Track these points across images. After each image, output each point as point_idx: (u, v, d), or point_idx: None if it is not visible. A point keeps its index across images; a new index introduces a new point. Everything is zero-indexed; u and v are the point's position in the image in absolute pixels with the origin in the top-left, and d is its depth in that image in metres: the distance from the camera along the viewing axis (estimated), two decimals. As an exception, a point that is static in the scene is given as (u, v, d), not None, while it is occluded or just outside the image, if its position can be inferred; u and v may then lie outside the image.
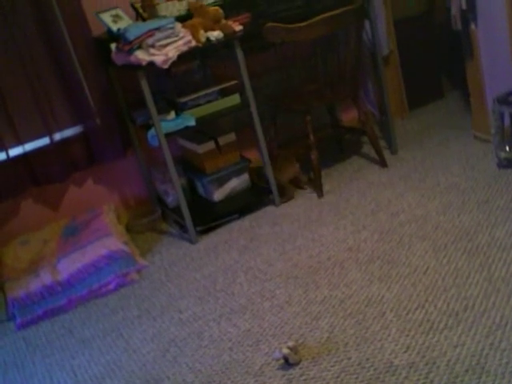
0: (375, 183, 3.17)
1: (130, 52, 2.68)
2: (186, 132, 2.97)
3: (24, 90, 3.00)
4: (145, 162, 3.39)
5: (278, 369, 2.01)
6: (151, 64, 2.68)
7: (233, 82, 3.04)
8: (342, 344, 2.04)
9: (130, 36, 2.66)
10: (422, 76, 4.03)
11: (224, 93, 3.03)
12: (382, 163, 3.36)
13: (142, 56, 2.66)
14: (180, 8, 3.11)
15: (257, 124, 3.05)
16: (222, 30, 2.85)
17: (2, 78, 2.95)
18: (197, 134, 3.28)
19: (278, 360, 2.01)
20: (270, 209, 3.21)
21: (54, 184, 3.20)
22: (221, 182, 3.28)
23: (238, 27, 2.90)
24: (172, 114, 2.94)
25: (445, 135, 3.58)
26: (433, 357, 1.87)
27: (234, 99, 3.04)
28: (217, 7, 2.93)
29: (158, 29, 2.69)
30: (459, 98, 4.01)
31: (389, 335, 2.03)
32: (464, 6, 3.03)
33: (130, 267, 2.85)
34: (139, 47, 2.68)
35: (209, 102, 2.99)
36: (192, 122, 2.90)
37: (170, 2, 3.09)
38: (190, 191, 3.42)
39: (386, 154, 3.46)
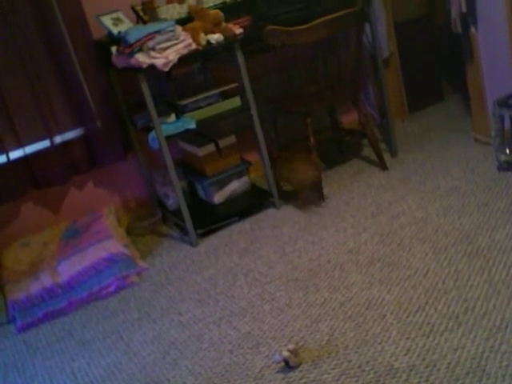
0: (375, 186, 3.17)
1: (131, 55, 2.68)
2: (186, 135, 2.98)
3: (25, 92, 3.00)
4: (145, 164, 3.40)
5: (278, 372, 2.01)
6: (152, 67, 2.69)
7: (233, 85, 3.04)
8: (342, 347, 2.04)
9: (131, 39, 2.66)
10: (422, 79, 4.04)
11: (224, 95, 3.03)
12: (383, 166, 3.36)
13: (142, 59, 2.67)
14: (180, 11, 3.12)
15: (257, 126, 3.05)
16: (222, 32, 2.85)
17: (3, 80, 2.95)
18: (197, 136, 3.28)
19: (278, 363, 2.01)
20: (270, 211, 3.21)
21: (54, 187, 3.21)
22: (221, 184, 3.29)
23: (239, 30, 2.91)
24: (172, 117, 2.94)
25: (445, 138, 3.58)
26: (433, 359, 1.87)
27: (235, 102, 3.04)
28: (217, 10, 2.94)
29: (158, 32, 2.69)
30: (459, 100, 4.01)
31: (389, 338, 2.02)
32: (464, 9, 3.03)
33: (130, 270, 2.85)
34: (140, 50, 2.68)
35: (209, 104, 3.00)
36: (192, 125, 2.91)
37: (170, 5, 3.10)
38: (191, 194, 3.42)
39: (386, 156, 3.46)
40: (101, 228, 3.07)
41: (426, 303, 2.16)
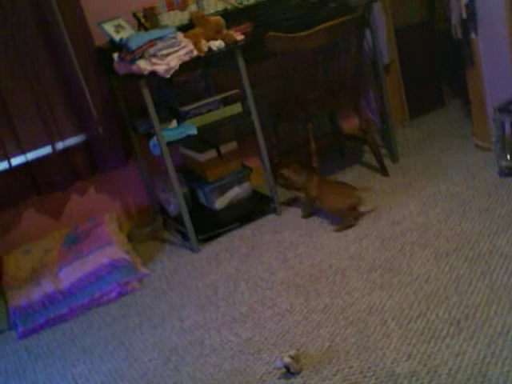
0: (376, 191, 3.17)
1: (132, 61, 2.69)
2: (187, 141, 2.98)
3: (27, 98, 3.01)
4: (146, 170, 3.40)
5: (279, 378, 2.00)
6: (153, 73, 2.70)
7: (234, 91, 3.05)
8: (344, 353, 2.04)
9: (132, 45, 2.68)
10: (422, 84, 4.05)
11: (226, 101, 3.04)
12: (383, 172, 3.37)
13: (144, 65, 2.68)
14: (182, 18, 3.14)
15: (258, 132, 3.06)
16: (223, 39, 2.87)
17: (5, 86, 2.96)
18: (198, 142, 3.29)
19: (279, 369, 2.01)
20: (271, 217, 3.22)
21: (55, 193, 3.21)
22: (222, 190, 3.29)
23: (240, 36, 2.92)
24: (174, 123, 2.95)
25: (446, 143, 3.59)
26: (434, 365, 1.87)
27: (236, 108, 3.05)
28: (218, 17, 2.95)
29: (160, 38, 2.70)
30: (460, 106, 4.02)
31: (390, 344, 2.02)
32: (464, 16, 3.04)
33: (131, 276, 2.85)
34: (141, 57, 2.69)
35: (210, 110, 3.00)
36: (194, 131, 2.92)
37: (171, 12, 3.11)
38: (192, 200, 3.43)
39: (387, 162, 3.47)
40: (102, 234, 3.07)
41: (428, 309, 2.15)
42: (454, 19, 3.13)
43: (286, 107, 3.27)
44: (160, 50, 2.70)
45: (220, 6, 3.26)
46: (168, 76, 2.73)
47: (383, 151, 3.60)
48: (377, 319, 2.17)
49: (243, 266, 2.79)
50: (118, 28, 2.97)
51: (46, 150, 3.11)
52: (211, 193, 3.27)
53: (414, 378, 1.84)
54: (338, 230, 2.87)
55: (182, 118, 2.97)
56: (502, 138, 2.94)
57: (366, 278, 2.44)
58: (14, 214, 3.17)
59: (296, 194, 3.26)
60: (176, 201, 3.15)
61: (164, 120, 2.92)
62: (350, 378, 1.92)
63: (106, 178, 3.35)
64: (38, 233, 3.21)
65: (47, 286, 2.78)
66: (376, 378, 1.88)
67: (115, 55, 2.86)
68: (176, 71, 2.74)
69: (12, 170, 3.04)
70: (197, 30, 2.88)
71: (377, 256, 2.59)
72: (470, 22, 3.06)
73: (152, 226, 3.35)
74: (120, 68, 2.86)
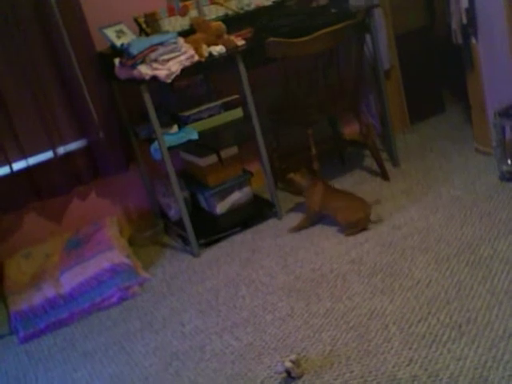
0: (377, 196, 3.17)
1: (134, 66, 2.70)
2: (188, 145, 2.99)
3: (28, 103, 3.02)
4: (147, 175, 3.41)
5: (280, 382, 2.00)
6: (154, 78, 2.71)
7: (235, 97, 3.06)
8: (345, 357, 2.04)
9: (134, 51, 2.69)
10: (423, 89, 4.05)
11: (226, 106, 3.05)
12: (384, 176, 3.37)
13: (145, 70, 2.69)
14: (183, 23, 3.15)
15: (259, 137, 3.07)
16: (224, 44, 2.88)
17: (6, 91, 2.97)
18: (199, 147, 3.29)
19: (280, 373, 2.01)
20: (272, 222, 3.22)
21: (57, 197, 3.22)
22: (223, 194, 3.29)
23: (240, 42, 2.94)
24: (175, 128, 2.96)
25: (446, 148, 3.59)
26: (436, 370, 1.87)
27: (237, 113, 3.06)
28: (219, 22, 2.97)
29: (161, 44, 2.71)
30: (461, 111, 4.03)
31: (391, 348, 2.02)
32: (464, 20, 3.05)
33: (132, 280, 2.85)
34: (142, 62, 2.70)
35: (211, 115, 3.01)
36: (195, 136, 2.92)
37: (172, 18, 3.12)
38: (193, 204, 3.43)
39: (388, 166, 3.47)
40: (103, 239, 3.07)
41: (429, 313, 2.15)
42: (454, 24, 3.14)
43: (287, 112, 3.27)
44: (161, 55, 2.71)
45: (221, 12, 3.27)
46: (169, 81, 2.73)
47: (384, 156, 3.59)
48: (378, 324, 2.17)
49: (244, 271, 2.79)
50: (120, 33, 2.98)
51: (47, 155, 3.12)
52: (212, 197, 3.28)
53: (416, 383, 1.84)
54: (348, 235, 2.86)
55: (182, 123, 2.98)
56: (502, 142, 2.95)
57: (367, 283, 2.44)
58: (16, 219, 3.18)
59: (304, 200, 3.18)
60: (177, 205, 3.15)
61: (165, 125, 2.93)
62: (351, 382, 1.91)
63: (106, 182, 3.36)
64: (40, 237, 3.21)
65: (48, 291, 2.78)
66: (377, 383, 1.88)
67: (116, 60, 2.87)
68: (177, 76, 2.75)
69: (13, 175, 3.05)
70: (198, 36, 2.89)
71: (378, 260, 2.59)
72: (470, 26, 3.07)
73: (153, 231, 3.35)
74: (121, 73, 2.87)
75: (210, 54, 2.85)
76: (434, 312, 2.15)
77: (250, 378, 2.06)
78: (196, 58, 2.80)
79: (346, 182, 3.45)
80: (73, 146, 3.18)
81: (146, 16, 3.08)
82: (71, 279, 2.81)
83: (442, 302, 2.20)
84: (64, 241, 3.17)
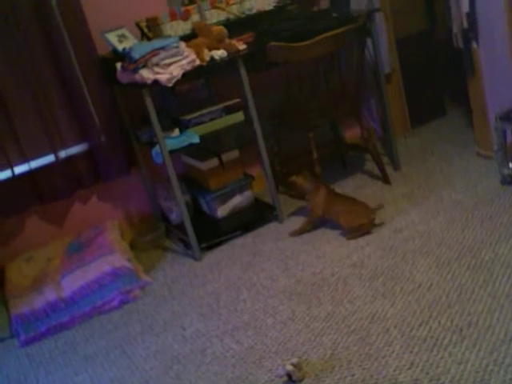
0: (378, 200, 3.17)
1: (135, 71, 2.71)
2: (189, 149, 3.00)
3: (30, 107, 3.03)
4: (149, 179, 3.41)
5: (281, 386, 2.00)
6: (156, 82, 2.72)
7: (236, 100, 3.07)
8: (346, 361, 2.04)
9: (135, 55, 2.70)
10: (424, 93, 4.06)
11: (228, 110, 3.06)
12: (385, 180, 3.37)
13: (146, 74, 2.70)
14: (184, 27, 3.16)
15: (260, 140, 3.07)
16: (225, 48, 2.89)
17: (8, 95, 2.98)
18: (200, 151, 3.30)
19: (281, 377, 2.00)
20: (273, 225, 3.22)
21: (58, 201, 3.22)
22: (224, 198, 3.30)
23: (242, 46, 2.94)
24: (176, 132, 2.96)
25: (448, 152, 3.59)
26: (437, 373, 1.86)
27: (238, 116, 3.06)
28: (221, 26, 2.98)
29: (162, 48, 2.72)
30: (462, 115, 4.03)
31: (393, 352, 2.02)
32: (465, 25, 3.06)
33: (133, 284, 2.85)
34: (144, 66, 2.71)
35: (213, 119, 3.02)
36: (196, 140, 2.93)
37: (174, 22, 3.13)
38: (194, 208, 3.43)
39: (389, 170, 3.47)
40: (104, 242, 3.07)
41: (430, 317, 2.15)
42: (455, 28, 3.15)
43: (288, 116, 3.28)
44: (163, 59, 2.72)
45: (222, 16, 3.28)
46: (170, 85, 2.74)
47: (385, 160, 3.60)
48: (379, 327, 2.17)
49: (245, 274, 2.79)
50: (121, 38, 3.00)
51: (48, 159, 3.13)
52: (213, 201, 3.28)
53: (417, 386, 1.83)
54: (350, 238, 2.86)
55: (184, 127, 2.99)
56: (503, 146, 2.95)
57: (369, 286, 2.44)
58: (17, 222, 3.18)
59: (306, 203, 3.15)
60: (178, 209, 3.16)
61: (166, 129, 2.94)
62: (352, 386, 1.91)
63: (108, 186, 3.36)
64: (41, 241, 3.21)
65: (49, 294, 2.78)
66: (378, 386, 1.88)
67: (118, 65, 2.88)
68: (178, 80, 2.76)
69: (15, 179, 3.06)
70: (199, 40, 2.90)
71: (379, 264, 2.59)
72: (471, 31, 3.07)
73: (154, 234, 3.35)
74: (123, 77, 2.88)
75: (212, 59, 2.86)
76: (435, 315, 2.15)
77: (251, 381, 2.06)
78: (197, 62, 2.81)
79: (347, 186, 3.45)
80: (74, 149, 3.19)
81: (147, 20, 3.09)
82: (72, 283, 2.81)
83: (443, 305, 2.20)
84: (65, 244, 3.17)
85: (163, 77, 2.71)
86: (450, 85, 4.16)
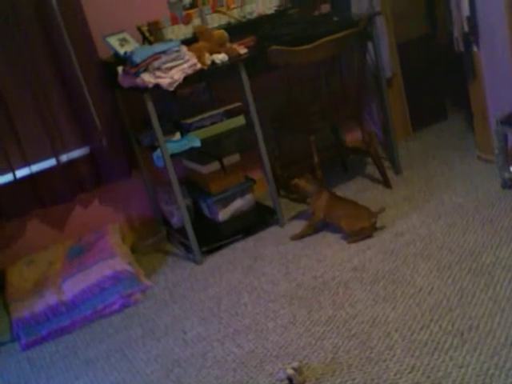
0: (379, 203, 3.17)
1: (137, 75, 2.72)
2: (190, 153, 3.00)
3: (31, 111, 3.04)
4: (150, 182, 3.42)
5: (282, 389, 2.00)
6: (157, 86, 2.72)
7: (237, 104, 3.08)
8: (347, 365, 2.03)
9: (137, 59, 2.71)
10: (425, 97, 4.06)
11: (229, 114, 3.06)
12: (386, 184, 3.37)
13: (148, 78, 2.71)
14: (186, 32, 3.17)
15: (261, 144, 3.08)
16: (227, 52, 2.89)
17: (10, 99, 2.99)
18: (202, 154, 3.30)
19: (281, 381, 2.00)
20: (274, 229, 3.22)
21: (59, 205, 3.23)
22: (225, 202, 3.30)
23: (243, 50, 2.95)
24: (177, 135, 2.97)
25: (448, 156, 3.59)
26: (438, 377, 1.86)
27: (239, 120, 3.07)
28: (222, 31, 2.98)
29: (164, 52, 2.73)
30: (463, 119, 4.03)
31: (394, 355, 2.01)
32: (466, 28, 3.06)
33: (134, 288, 2.85)
34: (145, 70, 2.72)
35: (214, 123, 3.02)
36: (197, 143, 2.93)
37: (175, 26, 3.15)
38: (195, 212, 3.43)
39: (390, 174, 3.47)
40: (105, 246, 3.07)
41: (431, 321, 2.15)
42: (456, 32, 3.15)
43: (289, 120, 3.28)
44: (164, 63, 2.73)
45: (223, 20, 3.30)
46: (172, 89, 2.75)
47: (386, 163, 3.60)
48: (380, 331, 2.16)
49: (246, 278, 2.79)
50: (123, 42, 3.00)
51: (50, 162, 3.13)
52: (214, 205, 3.28)
53: (418, 390, 1.83)
54: (351, 242, 2.85)
55: (185, 131, 2.99)
56: (504, 149, 2.95)
57: (369, 290, 2.44)
58: (19, 226, 3.19)
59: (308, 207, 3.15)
60: (179, 213, 3.16)
61: (167, 132, 2.94)
62: (353, 390, 1.91)
63: (109, 189, 3.36)
64: (42, 244, 3.22)
65: (50, 298, 2.78)
66: (379, 390, 1.87)
67: (119, 68, 2.89)
68: (180, 84, 2.76)
69: (16, 182, 3.06)
70: (200, 44, 2.91)
71: (380, 268, 2.58)
72: (472, 34, 3.08)
73: (155, 238, 3.35)
74: (124, 81, 2.88)
75: (213, 63, 2.86)
76: (436, 319, 2.15)
77: (252, 385, 2.06)
78: (199, 66, 2.82)
79: (348, 190, 3.45)
80: (76, 153, 3.19)
81: (149, 24, 3.10)
82: (73, 286, 2.81)
83: (444, 309, 2.19)
84: (66, 248, 3.18)
85: (164, 81, 2.72)
86: (451, 89, 4.17)
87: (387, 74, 3.65)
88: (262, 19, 3.35)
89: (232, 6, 3.29)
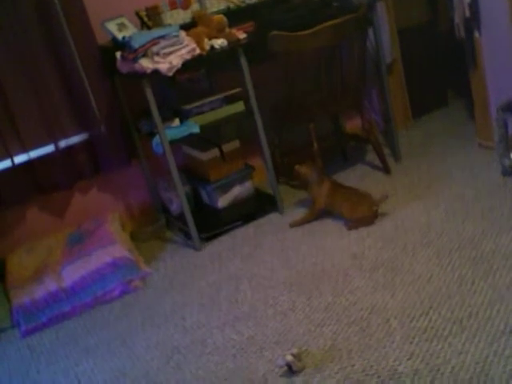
0: (380, 191, 3.16)
1: (135, 60, 2.70)
2: (190, 139, 2.99)
3: (29, 97, 3.02)
4: (149, 170, 3.41)
5: (281, 376, 2.00)
6: (156, 72, 2.70)
7: (237, 90, 3.06)
8: (346, 351, 2.04)
9: (135, 44, 2.68)
10: (426, 84, 4.04)
11: (228, 100, 3.05)
12: (386, 171, 3.36)
13: (146, 64, 2.68)
14: (184, 17, 3.14)
15: (261, 131, 3.06)
16: (226, 38, 2.87)
17: (8, 85, 2.97)
18: (201, 141, 3.29)
19: (281, 367, 2.01)
20: (273, 216, 3.22)
21: (59, 192, 3.22)
22: (225, 189, 3.29)
23: (242, 35, 2.92)
24: (176, 122, 2.95)
25: (449, 143, 3.58)
26: (437, 364, 1.87)
27: (239, 106, 3.05)
28: (221, 15, 2.95)
29: (162, 37, 2.71)
30: (463, 106, 4.01)
31: (393, 342, 2.02)
32: (468, 14, 3.04)
33: (134, 274, 2.85)
34: (144, 55, 2.70)
35: (213, 109, 3.01)
36: (196, 129, 2.92)
37: (174, 11, 3.12)
38: (194, 199, 3.43)
39: (390, 161, 3.46)
40: (105, 234, 3.07)
41: (430, 308, 2.15)
42: (457, 18, 3.13)
43: (289, 109, 3.26)
44: (163, 48, 2.71)
45: (222, 5, 3.26)
46: (170, 74, 2.73)
47: (386, 151, 3.59)
48: (379, 318, 2.17)
49: (245, 265, 2.79)
50: (121, 27, 2.97)
51: (48, 149, 3.12)
52: (214, 192, 3.28)
53: (417, 377, 1.84)
54: (350, 228, 2.85)
55: (184, 117, 2.97)
56: (505, 137, 2.94)
57: (369, 277, 2.44)
58: (18, 213, 3.18)
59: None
60: (178, 200, 3.15)
61: (167, 119, 2.93)
62: (352, 376, 1.92)
63: (108, 177, 3.35)
64: (42, 232, 3.21)
65: (50, 285, 2.78)
66: (378, 377, 1.88)
67: (118, 54, 2.86)
68: (179, 69, 2.74)
69: (15, 169, 3.05)
70: (199, 29, 2.88)
71: (379, 255, 2.59)
72: (474, 20, 3.05)
73: (155, 225, 3.35)
74: (123, 67, 2.86)
75: (212, 48, 2.84)
76: (435, 307, 2.15)
77: (251, 371, 2.06)
78: (197, 51, 2.79)
79: (348, 178, 3.44)
80: (74, 139, 3.18)
81: (147, 9, 3.06)
82: (73, 273, 2.82)
83: (443, 296, 2.20)
84: (66, 236, 3.17)
85: (163, 66, 2.70)
86: (451, 76, 4.14)
87: (387, 60, 3.62)
88: (262, 4, 3.32)
89: (231, -9, 3.26)
